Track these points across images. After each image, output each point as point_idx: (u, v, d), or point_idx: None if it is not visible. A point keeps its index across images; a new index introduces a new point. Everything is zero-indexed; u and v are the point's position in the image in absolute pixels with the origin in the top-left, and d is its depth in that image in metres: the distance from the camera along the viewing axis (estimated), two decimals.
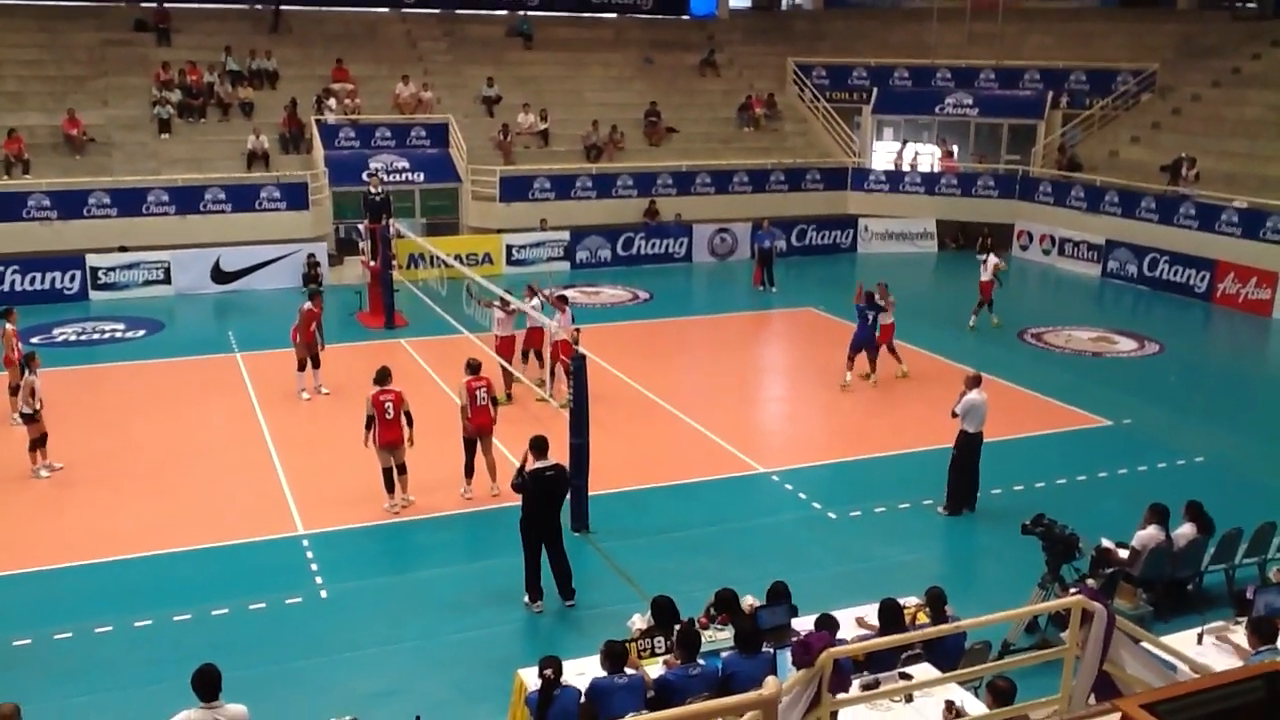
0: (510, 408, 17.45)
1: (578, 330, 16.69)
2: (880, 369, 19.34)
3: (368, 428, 13.82)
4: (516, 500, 12.66)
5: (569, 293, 19.84)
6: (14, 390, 15.47)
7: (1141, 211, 28.07)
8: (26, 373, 15.24)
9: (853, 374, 19.14)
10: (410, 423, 13.94)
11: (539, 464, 11.57)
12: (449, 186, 29.58)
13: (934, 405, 16.83)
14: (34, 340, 20.36)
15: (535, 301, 18.36)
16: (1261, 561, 12.17)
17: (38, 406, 15.04)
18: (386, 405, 13.79)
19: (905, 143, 33.98)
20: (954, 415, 14.10)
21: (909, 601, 9.74)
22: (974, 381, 14.10)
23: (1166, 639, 8.50)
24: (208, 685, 7.62)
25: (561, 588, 11.85)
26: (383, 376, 14.09)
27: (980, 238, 30.93)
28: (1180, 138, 29.42)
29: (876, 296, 19.19)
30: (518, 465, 11.73)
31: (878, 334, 19.28)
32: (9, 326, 17.04)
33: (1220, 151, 28.25)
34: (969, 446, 14.11)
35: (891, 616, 9.06)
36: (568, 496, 12.35)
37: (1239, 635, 9.24)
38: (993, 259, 23.36)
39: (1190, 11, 35.00)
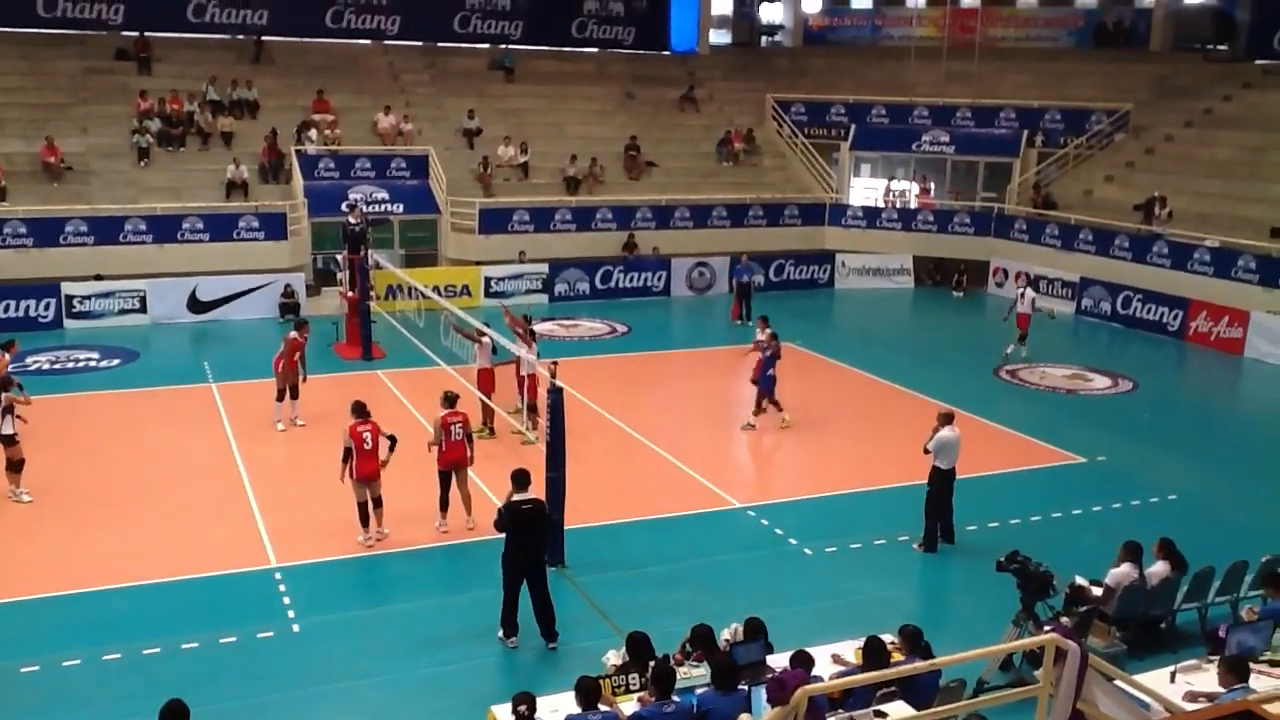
0: (488, 442, 17.40)
1: (554, 363, 16.69)
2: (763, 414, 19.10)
3: (345, 461, 13.74)
4: (492, 534, 12.60)
5: (540, 326, 19.74)
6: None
7: (1115, 250, 28.36)
8: (4, 393, 15.14)
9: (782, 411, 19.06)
10: (392, 447, 13.89)
11: (517, 497, 11.51)
12: (428, 218, 29.62)
13: (910, 441, 16.85)
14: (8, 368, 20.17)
15: (528, 351, 18.18)
16: (1234, 600, 12.23)
17: (14, 430, 14.96)
18: (365, 437, 13.73)
19: (891, 180, 34.30)
20: (926, 451, 14.15)
21: (885, 639, 9.73)
22: (947, 419, 14.16)
23: (1140, 677, 8.54)
24: None
25: (544, 629, 11.68)
26: (360, 409, 14.04)
27: (956, 274, 31.34)
28: (1153, 177, 29.76)
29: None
30: (499, 504, 11.63)
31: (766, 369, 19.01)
32: (5, 357, 17.16)
33: (1193, 191, 28.60)
34: (942, 483, 14.15)
35: (876, 655, 9.04)
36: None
37: (1211, 674, 9.27)
38: (1030, 292, 23.95)
39: (1163, 53, 35.50)
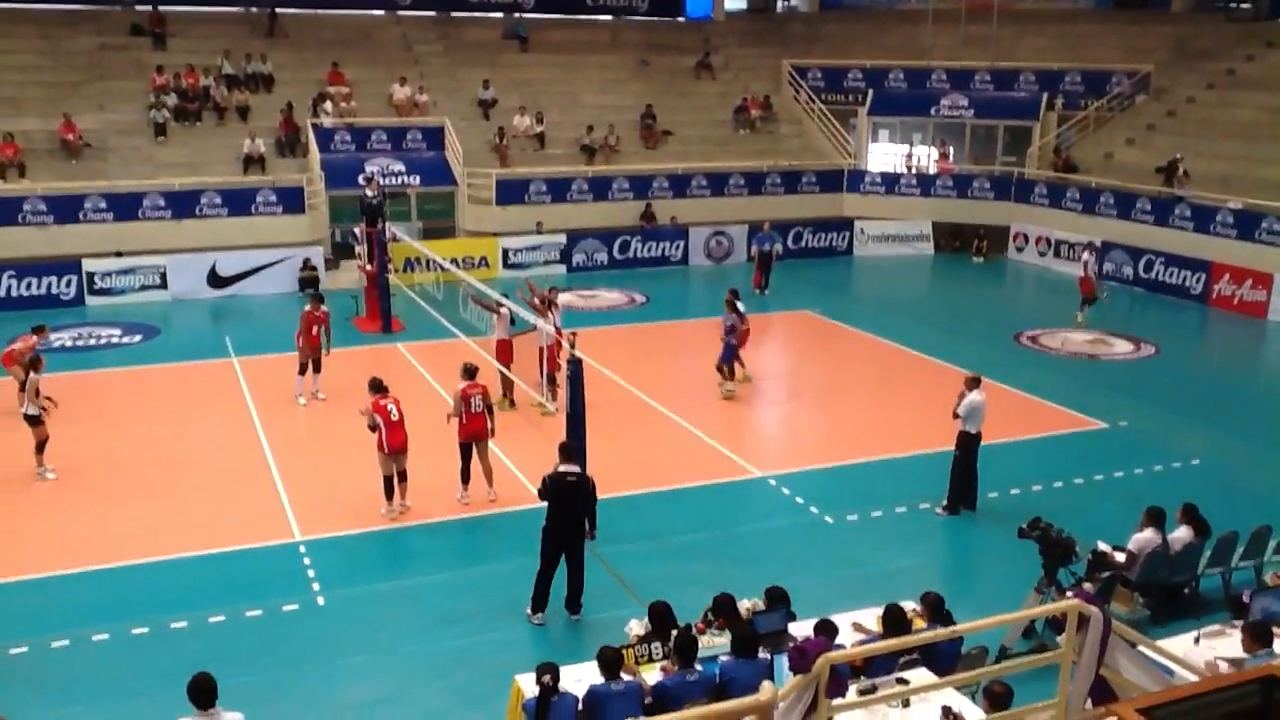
0: (508, 413, 17.44)
1: (574, 334, 16.69)
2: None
3: (374, 430, 13.76)
4: (514, 505, 12.72)
5: (559, 297, 19.87)
6: (23, 387, 15.67)
7: (1137, 213, 28.12)
8: (32, 373, 15.30)
9: (734, 381, 19.05)
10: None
11: (562, 468, 11.51)
12: (445, 190, 29.56)
13: (930, 408, 16.85)
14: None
15: (552, 314, 18.21)
16: (1258, 565, 12.19)
17: (44, 407, 15.11)
18: (390, 408, 13.77)
19: (912, 146, 34.06)
20: (955, 416, 14.11)
21: (906, 606, 9.74)
22: (974, 382, 14.12)
23: (1163, 643, 8.51)
24: (204, 693, 7.62)
25: (570, 600, 11.74)
26: (378, 385, 14.05)
27: (976, 240, 31.15)
28: (1175, 139, 29.46)
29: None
30: (521, 476, 11.65)
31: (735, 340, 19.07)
32: (34, 340, 17.38)
33: (1215, 154, 28.29)
34: (970, 447, 14.13)
35: (895, 622, 9.06)
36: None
37: (1235, 639, 9.25)
38: (1088, 257, 24.19)
39: (1184, 14, 35.07)
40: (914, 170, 33.49)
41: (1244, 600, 10.05)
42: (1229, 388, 20.44)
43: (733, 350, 18.87)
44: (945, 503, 14.36)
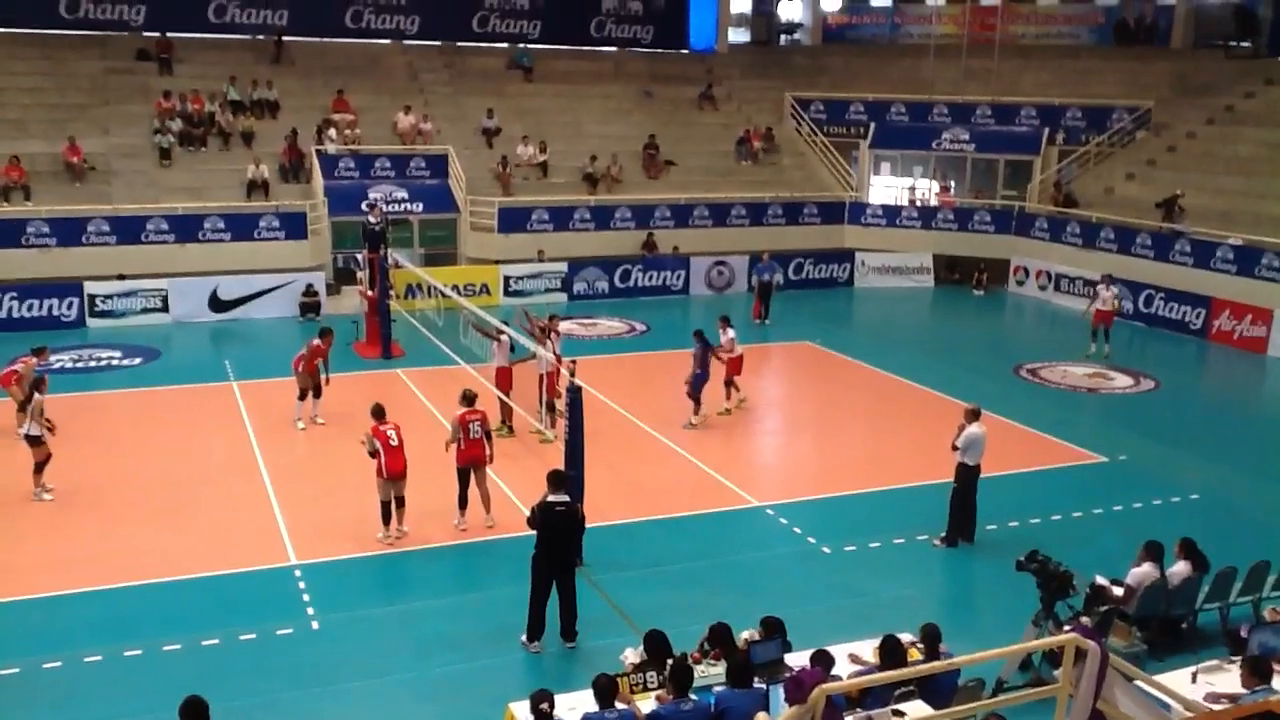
0: (507, 440, 17.43)
1: (573, 362, 16.71)
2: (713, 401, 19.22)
3: (373, 456, 13.77)
4: (510, 533, 12.70)
5: (564, 324, 19.95)
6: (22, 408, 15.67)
7: (1137, 248, 28.20)
8: (35, 395, 15.31)
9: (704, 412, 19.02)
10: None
11: (551, 498, 11.52)
12: (447, 217, 29.68)
13: (929, 440, 16.84)
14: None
15: (550, 341, 18.24)
16: (1256, 600, 12.14)
17: (46, 428, 15.12)
18: (390, 434, 13.77)
19: (915, 179, 34.21)
20: (954, 448, 14.09)
21: (903, 638, 9.70)
22: (973, 415, 14.11)
23: (1160, 678, 8.49)
24: (196, 715, 7.60)
25: (565, 628, 11.71)
26: (379, 412, 14.06)
27: (976, 272, 31.23)
28: (1175, 174, 29.58)
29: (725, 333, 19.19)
30: (522, 506, 11.64)
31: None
32: (34, 361, 17.42)
33: (1215, 189, 28.41)
34: (970, 479, 14.11)
35: (892, 654, 9.02)
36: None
37: (1233, 674, 9.22)
38: (1114, 289, 24.33)
39: (1185, 50, 35.27)
40: (916, 203, 33.60)
41: (1242, 635, 10.03)
42: (1228, 423, 20.44)
43: (702, 380, 18.86)
44: (944, 534, 14.32)
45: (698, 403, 18.87)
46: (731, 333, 19.46)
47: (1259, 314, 24.69)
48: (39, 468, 15.16)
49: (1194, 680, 9.37)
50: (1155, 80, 33.30)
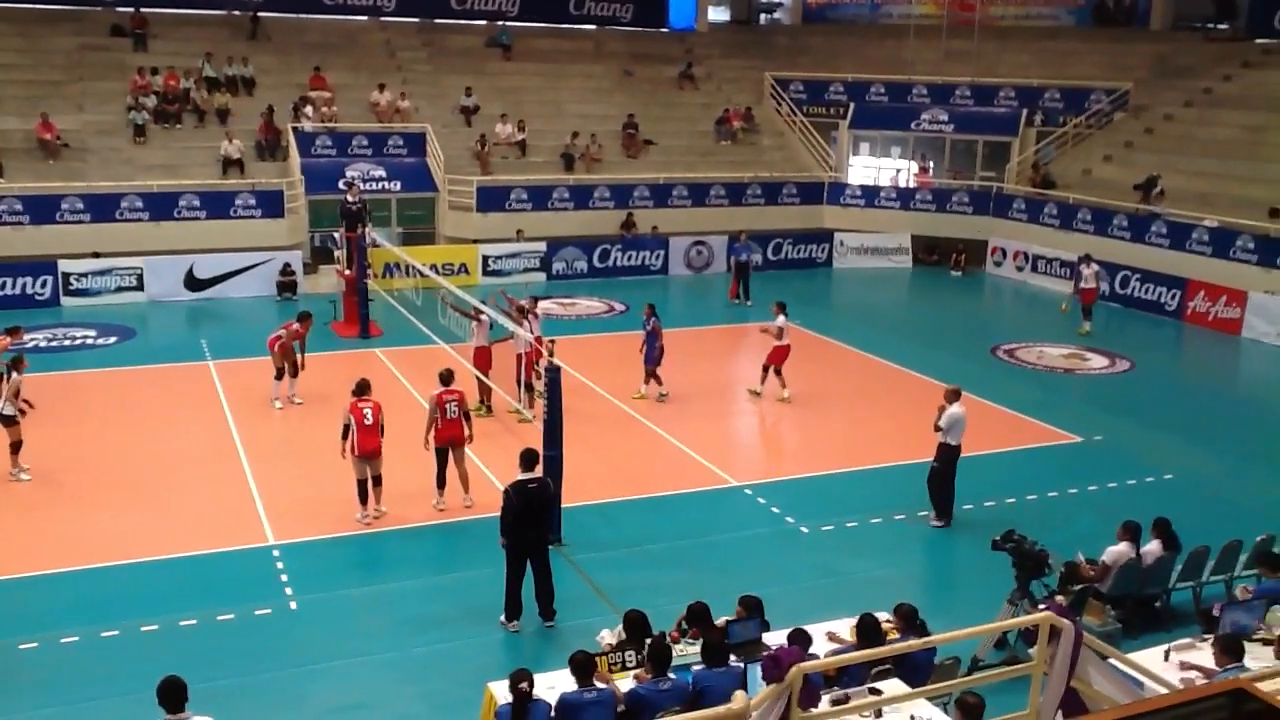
0: (485, 420, 17.41)
1: (552, 342, 16.67)
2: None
3: (344, 437, 13.73)
4: (490, 512, 12.66)
5: (543, 304, 19.93)
6: None
7: (1114, 229, 28.33)
8: (14, 374, 15.16)
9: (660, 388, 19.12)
10: (381, 434, 13.87)
11: (522, 476, 11.52)
12: (426, 196, 29.54)
13: (907, 420, 16.93)
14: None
15: (528, 321, 18.19)
16: (1228, 579, 12.27)
17: (21, 409, 14.98)
18: (365, 412, 13.68)
19: (910, 160, 34.24)
20: (937, 429, 14.14)
21: (880, 617, 9.75)
22: (954, 395, 14.17)
23: (1134, 656, 8.57)
24: (173, 697, 7.56)
25: (542, 607, 11.73)
26: (362, 388, 13.99)
27: (955, 253, 31.32)
28: (1153, 157, 29.71)
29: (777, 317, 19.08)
30: (502, 487, 11.64)
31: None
32: (7, 341, 17.19)
33: (1192, 171, 28.55)
34: (950, 459, 14.18)
35: (869, 633, 9.07)
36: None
37: (1205, 652, 9.32)
38: (1094, 266, 24.58)
39: (1164, 32, 35.39)
40: (898, 185, 33.62)
41: (1214, 614, 10.12)
42: (1203, 403, 20.59)
43: (655, 351, 18.92)
44: (936, 515, 14.36)
45: (657, 376, 18.91)
46: (783, 319, 19.04)
47: (1234, 295, 24.86)
48: (15, 448, 15.05)
49: (1167, 658, 9.46)
50: (1134, 62, 33.39)
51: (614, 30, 37.59)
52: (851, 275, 31.08)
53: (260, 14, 32.52)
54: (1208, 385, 22.36)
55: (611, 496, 15.11)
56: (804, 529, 14.32)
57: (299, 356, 18.40)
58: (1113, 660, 7.99)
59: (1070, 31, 36.72)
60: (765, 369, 19.29)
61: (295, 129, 28.91)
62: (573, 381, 16.94)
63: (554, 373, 13.38)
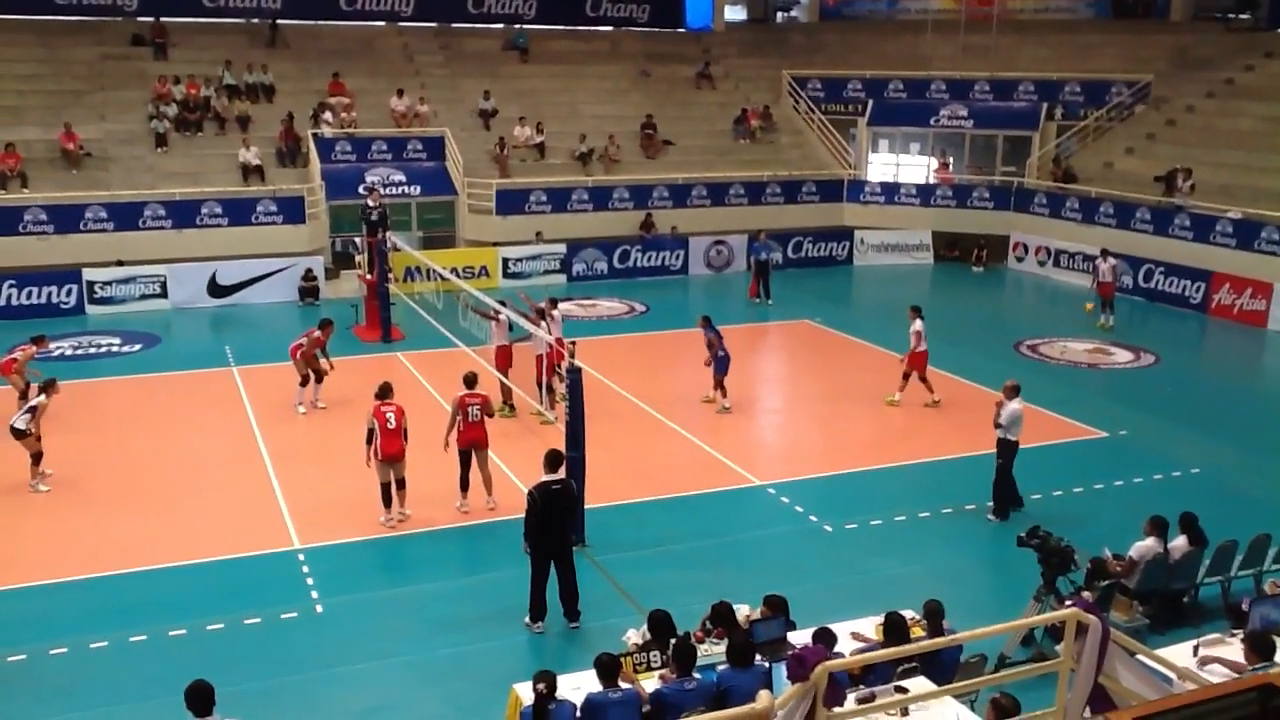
0: (507, 421, 17.44)
1: (573, 343, 16.70)
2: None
3: (369, 442, 13.78)
4: (513, 514, 12.70)
5: (563, 305, 19.96)
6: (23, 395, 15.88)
7: (1136, 223, 28.13)
8: (43, 396, 15.29)
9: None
10: (404, 437, 13.91)
11: (546, 477, 11.55)
12: (445, 199, 29.62)
13: (929, 417, 16.88)
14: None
15: (546, 323, 18.18)
16: (1257, 574, 12.16)
17: (36, 430, 15.06)
18: (388, 416, 13.75)
19: (929, 156, 34.11)
20: (996, 426, 14.13)
21: (905, 614, 9.72)
22: (1013, 391, 14.20)
23: (1161, 651, 8.50)
24: (201, 700, 7.63)
25: (567, 608, 11.75)
26: (384, 391, 14.06)
27: (976, 249, 31.18)
28: (1174, 149, 29.50)
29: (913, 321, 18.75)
30: (526, 489, 11.69)
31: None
32: (33, 349, 17.46)
33: (1214, 163, 28.32)
34: (1011, 454, 14.21)
35: (896, 631, 9.04)
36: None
37: (1234, 648, 9.24)
38: (1110, 260, 24.39)
39: (1184, 23, 35.13)
40: (925, 181, 33.45)
41: (1243, 608, 10.02)
42: (1229, 397, 20.43)
43: (725, 362, 18.72)
44: (994, 510, 14.36)
45: (723, 387, 18.69)
46: (919, 324, 18.65)
47: (1259, 288, 24.65)
48: (35, 459, 15.13)
49: (1195, 653, 9.39)
50: (1154, 54, 33.15)
51: (630, 31, 37.57)
52: (872, 273, 30.97)
53: (278, 21, 32.68)
54: (1234, 379, 22.18)
55: (634, 497, 15.11)
56: (827, 527, 14.28)
57: (325, 361, 18.49)
58: (1140, 656, 7.93)
59: (1089, 24, 36.50)
60: (905, 376, 18.82)
61: (315, 135, 29.03)
62: (594, 383, 16.95)
63: (575, 374, 13.40)
